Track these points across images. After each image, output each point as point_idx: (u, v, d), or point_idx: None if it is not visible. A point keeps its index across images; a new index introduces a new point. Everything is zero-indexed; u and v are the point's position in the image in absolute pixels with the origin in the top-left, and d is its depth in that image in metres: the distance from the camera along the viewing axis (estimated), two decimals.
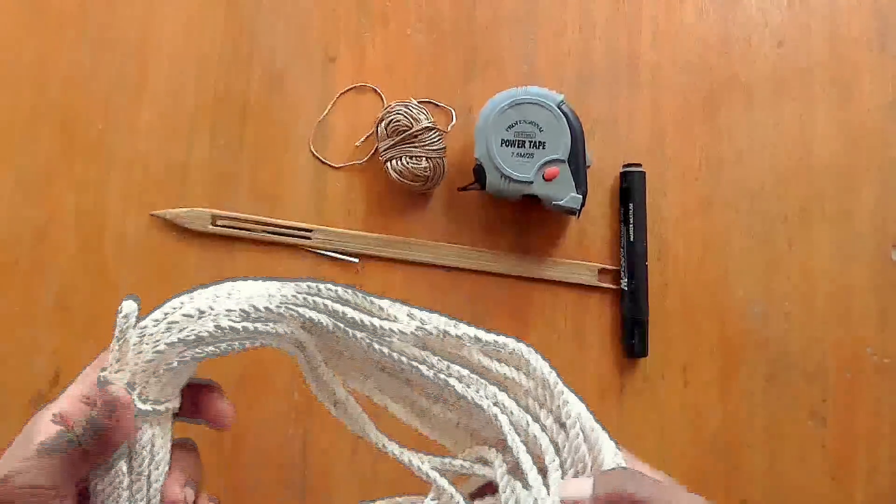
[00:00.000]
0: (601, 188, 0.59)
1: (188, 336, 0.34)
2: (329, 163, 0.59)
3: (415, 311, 0.37)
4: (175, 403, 0.36)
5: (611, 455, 0.35)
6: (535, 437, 0.36)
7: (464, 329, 0.36)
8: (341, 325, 0.36)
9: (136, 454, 0.34)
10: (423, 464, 0.38)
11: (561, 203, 0.54)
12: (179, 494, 0.34)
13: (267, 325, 0.35)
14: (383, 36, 0.61)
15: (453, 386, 0.36)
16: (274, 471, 0.57)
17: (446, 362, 0.37)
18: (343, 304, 0.36)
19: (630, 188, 0.58)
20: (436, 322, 0.37)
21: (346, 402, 0.38)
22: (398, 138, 0.56)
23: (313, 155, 0.59)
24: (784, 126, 0.60)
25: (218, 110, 0.60)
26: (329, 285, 0.36)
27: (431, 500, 0.37)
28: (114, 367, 0.34)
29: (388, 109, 0.57)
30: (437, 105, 0.60)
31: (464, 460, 0.38)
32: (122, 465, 0.34)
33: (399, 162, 0.56)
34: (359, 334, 0.36)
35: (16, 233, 0.58)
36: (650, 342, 0.58)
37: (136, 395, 0.34)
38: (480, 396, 0.36)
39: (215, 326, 0.34)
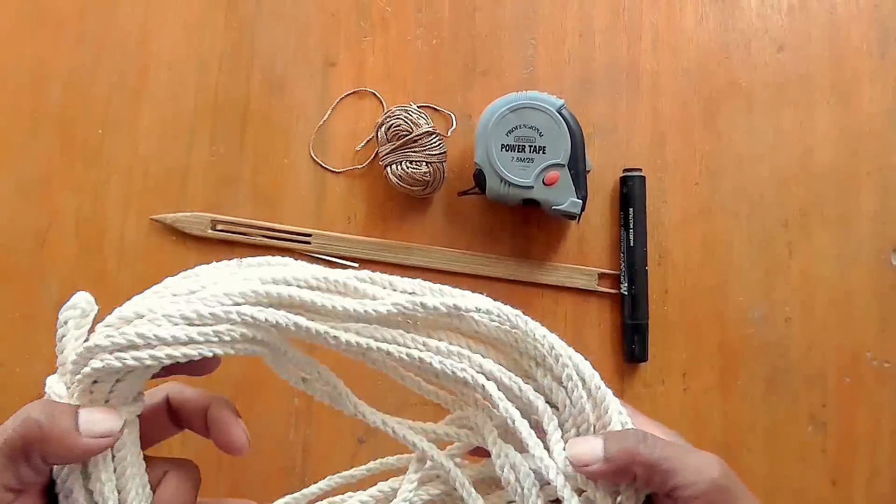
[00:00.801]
0: (601, 193, 0.59)
1: (113, 341, 0.30)
2: (329, 167, 0.60)
3: (395, 280, 0.35)
4: (125, 413, 0.31)
5: (616, 414, 0.33)
6: (528, 400, 0.34)
7: (441, 299, 0.34)
8: (302, 325, 0.33)
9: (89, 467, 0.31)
10: (408, 431, 0.36)
11: (561, 208, 0.54)
12: None
13: (207, 332, 0.31)
14: (383, 41, 0.61)
15: (430, 363, 0.34)
16: (274, 475, 0.57)
17: (422, 338, 0.35)
18: (312, 291, 0.33)
19: (630, 192, 0.58)
20: (418, 289, 0.35)
21: (320, 375, 0.35)
22: (398, 143, 0.56)
23: (313, 159, 0.60)
24: (784, 132, 0.60)
25: (218, 114, 0.60)
26: (298, 272, 0.34)
27: (414, 472, 0.36)
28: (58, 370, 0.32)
29: (388, 114, 0.57)
30: (438, 110, 0.60)
31: (449, 426, 0.37)
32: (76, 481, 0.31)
33: (399, 167, 0.56)
34: (322, 328, 0.33)
35: (16, 237, 0.58)
36: (650, 347, 0.58)
37: (69, 397, 0.31)
38: (462, 368, 0.34)
39: (136, 334, 0.30)
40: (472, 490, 0.35)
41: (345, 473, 0.38)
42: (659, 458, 0.31)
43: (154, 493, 0.32)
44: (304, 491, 0.38)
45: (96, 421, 0.30)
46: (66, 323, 0.32)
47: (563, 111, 0.54)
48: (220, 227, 0.58)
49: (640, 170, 0.58)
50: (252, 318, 0.32)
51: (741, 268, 0.59)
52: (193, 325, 0.31)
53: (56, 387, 0.31)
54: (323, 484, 0.38)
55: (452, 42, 0.61)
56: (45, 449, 0.28)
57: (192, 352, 0.31)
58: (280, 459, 0.57)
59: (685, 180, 0.60)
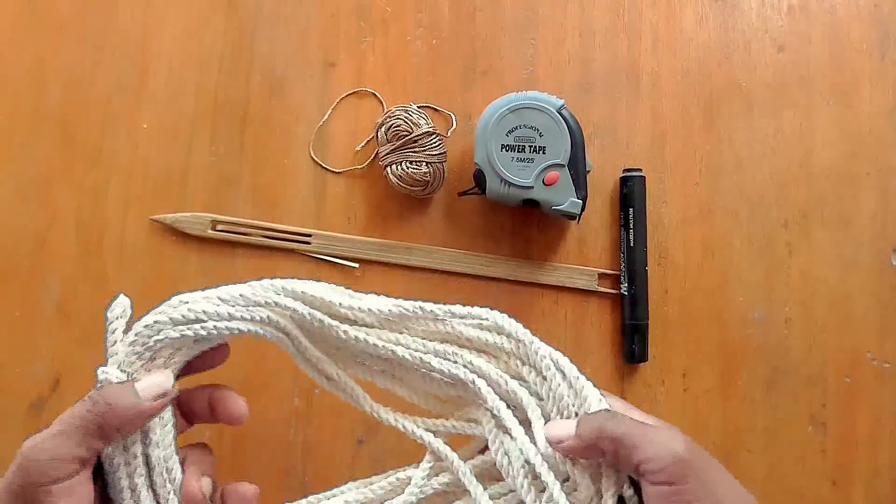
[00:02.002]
0: (601, 193, 0.59)
1: (165, 318, 0.38)
2: (329, 168, 0.60)
3: (391, 300, 0.41)
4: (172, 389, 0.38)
5: (595, 400, 0.37)
6: (514, 392, 0.39)
7: (436, 306, 0.40)
8: (317, 316, 0.39)
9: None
10: (417, 427, 0.41)
11: (561, 208, 0.54)
12: (195, 486, 0.37)
13: (243, 311, 0.39)
14: (383, 41, 0.61)
15: (429, 361, 0.40)
16: (274, 476, 0.57)
17: (421, 340, 0.40)
18: (328, 290, 0.41)
19: (630, 193, 0.58)
20: (411, 304, 0.40)
21: (339, 377, 0.41)
22: (398, 143, 0.56)
23: (313, 160, 0.60)
24: (784, 132, 0.60)
25: (218, 115, 0.60)
26: (315, 285, 0.40)
27: (427, 462, 0.41)
28: (109, 361, 0.38)
29: (388, 114, 0.57)
30: (437, 110, 0.60)
31: (455, 421, 0.42)
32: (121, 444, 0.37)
33: (399, 167, 0.56)
34: (334, 322, 0.40)
35: (16, 238, 0.58)
36: (650, 347, 0.58)
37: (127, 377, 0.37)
38: (457, 366, 0.40)
39: (188, 310, 0.38)
40: (473, 478, 0.40)
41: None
42: (624, 433, 0.34)
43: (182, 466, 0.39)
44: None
45: (150, 385, 0.36)
46: (115, 319, 0.38)
47: (563, 111, 0.54)
48: (220, 227, 0.58)
49: (640, 170, 0.58)
50: (275, 303, 0.39)
51: (741, 268, 0.59)
52: (231, 304, 0.39)
53: (112, 372, 0.37)
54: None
55: (452, 42, 0.61)
56: (114, 422, 0.35)
57: (233, 326, 0.38)
58: (280, 460, 0.57)
59: (685, 180, 0.60)
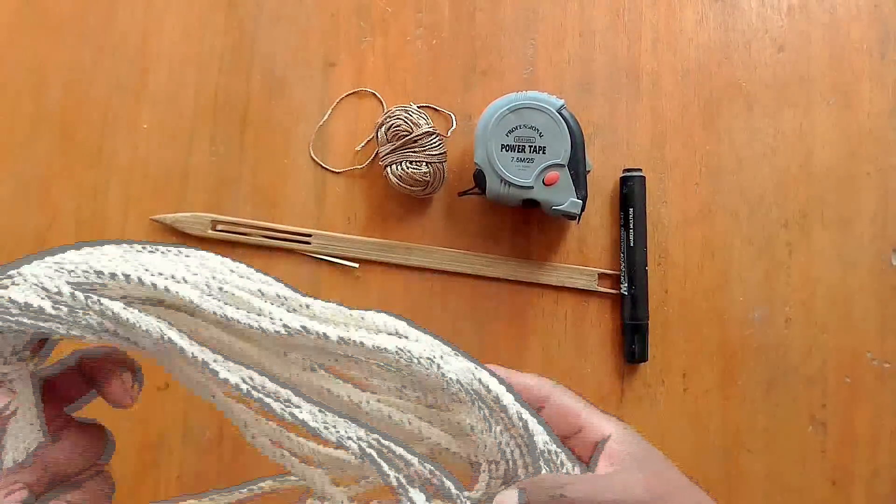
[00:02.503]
0: (601, 193, 0.59)
1: None
2: (329, 168, 0.60)
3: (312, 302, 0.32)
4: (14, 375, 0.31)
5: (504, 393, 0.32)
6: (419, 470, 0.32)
7: (329, 328, 0.31)
8: (177, 344, 0.30)
9: None
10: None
11: (561, 208, 0.54)
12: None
13: (65, 313, 0.30)
14: (383, 41, 0.61)
15: (305, 420, 0.31)
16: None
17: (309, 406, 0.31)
18: (202, 294, 0.31)
19: (630, 193, 0.58)
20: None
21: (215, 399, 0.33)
22: (398, 143, 0.56)
23: (313, 160, 0.60)
24: (784, 132, 0.60)
25: (218, 115, 0.60)
26: (207, 263, 0.32)
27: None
28: None
29: (388, 114, 0.57)
30: (438, 110, 0.60)
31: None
32: None
33: (399, 167, 0.56)
34: (201, 357, 0.30)
35: (16, 238, 0.58)
36: (650, 347, 0.58)
37: None
38: (346, 438, 0.31)
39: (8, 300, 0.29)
40: None
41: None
42: (581, 498, 0.32)
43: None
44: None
45: None
46: None
47: (563, 111, 0.54)
48: (220, 227, 0.58)
49: (640, 170, 0.58)
50: (113, 313, 0.29)
51: (741, 268, 0.59)
52: (54, 299, 0.29)
53: None
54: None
55: (452, 42, 0.61)
56: None
57: (45, 326, 0.29)
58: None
59: (685, 181, 0.60)
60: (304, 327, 0.31)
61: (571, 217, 0.55)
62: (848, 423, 0.58)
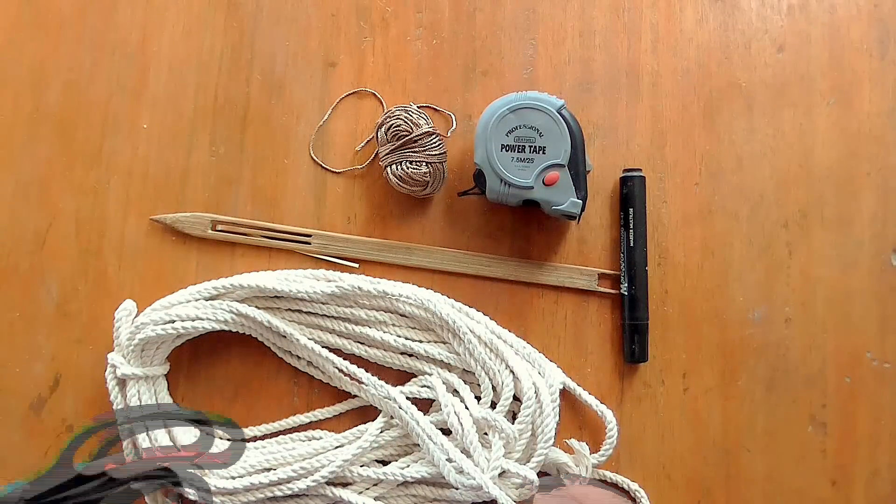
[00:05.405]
0: (601, 193, 0.59)
1: (147, 320, 0.53)
2: (329, 168, 0.60)
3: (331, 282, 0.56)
4: (158, 371, 0.55)
5: (512, 356, 0.54)
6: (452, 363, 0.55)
7: (371, 285, 0.54)
8: (274, 324, 0.54)
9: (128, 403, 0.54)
10: (383, 387, 0.53)
11: (561, 208, 0.54)
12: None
13: (209, 313, 0.54)
14: (383, 41, 0.61)
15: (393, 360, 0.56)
16: None
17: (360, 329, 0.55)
18: (277, 280, 0.55)
19: (630, 193, 0.58)
20: (349, 283, 0.54)
21: (307, 346, 0.54)
22: (398, 143, 0.56)
23: (313, 160, 0.60)
24: (784, 132, 0.60)
25: (218, 115, 0.60)
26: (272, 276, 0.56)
27: (382, 418, 0.54)
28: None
29: (388, 114, 0.57)
30: (438, 110, 0.60)
31: (411, 386, 0.55)
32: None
33: (399, 167, 0.56)
34: (288, 330, 0.54)
35: (16, 238, 0.58)
36: (650, 347, 0.58)
37: (125, 363, 0.53)
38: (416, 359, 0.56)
39: (166, 313, 0.54)
40: (433, 428, 0.52)
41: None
42: None
43: None
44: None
45: None
46: (120, 318, 0.55)
47: (563, 111, 0.54)
48: (220, 227, 0.58)
49: (640, 170, 0.58)
50: (236, 310, 0.54)
51: (741, 268, 0.59)
52: (201, 309, 0.54)
53: (115, 358, 0.54)
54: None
55: (452, 42, 0.61)
56: None
57: (199, 326, 0.53)
58: None
59: (685, 180, 0.60)
60: (351, 285, 0.54)
61: (571, 217, 0.55)
62: (848, 424, 0.58)
